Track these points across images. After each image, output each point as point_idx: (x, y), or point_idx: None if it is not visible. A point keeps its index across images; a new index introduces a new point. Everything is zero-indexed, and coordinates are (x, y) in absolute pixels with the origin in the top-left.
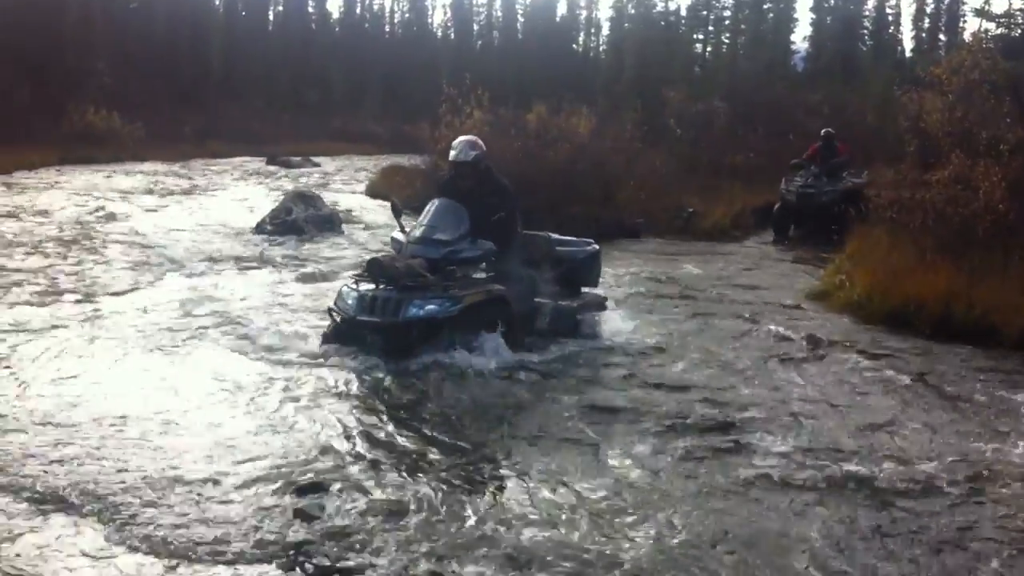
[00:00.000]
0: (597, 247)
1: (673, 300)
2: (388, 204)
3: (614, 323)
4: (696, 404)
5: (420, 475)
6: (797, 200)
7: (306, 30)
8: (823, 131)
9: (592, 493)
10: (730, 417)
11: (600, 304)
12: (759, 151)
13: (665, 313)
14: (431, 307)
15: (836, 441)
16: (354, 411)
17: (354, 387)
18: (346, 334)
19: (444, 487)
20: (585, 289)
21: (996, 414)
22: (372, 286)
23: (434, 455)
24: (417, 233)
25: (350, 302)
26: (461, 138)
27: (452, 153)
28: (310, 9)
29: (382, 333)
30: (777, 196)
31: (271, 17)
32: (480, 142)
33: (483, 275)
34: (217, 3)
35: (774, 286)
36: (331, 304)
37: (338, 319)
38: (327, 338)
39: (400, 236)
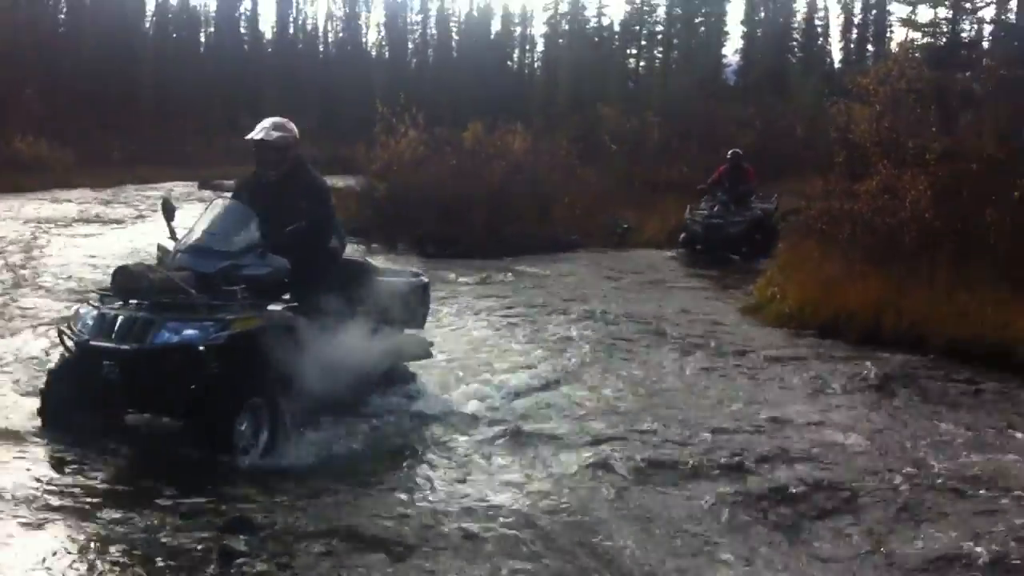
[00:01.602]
0: (426, 280)
1: (598, 319)
2: None
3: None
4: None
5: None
6: (704, 232)
7: (239, 51)
8: (730, 152)
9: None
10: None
11: (425, 351)
12: (693, 165)
13: (583, 335)
14: (190, 332)
15: (771, 458)
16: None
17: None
18: (79, 366)
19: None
20: (409, 331)
21: (920, 417)
22: (120, 303)
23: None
24: (190, 240)
25: (89, 322)
26: (268, 119)
27: (253, 133)
28: (242, 30)
29: (123, 364)
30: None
31: (203, 39)
32: (291, 125)
33: (280, 304)
34: (147, 26)
35: (707, 301)
36: (64, 326)
37: (71, 345)
38: (51, 376)
39: (169, 243)
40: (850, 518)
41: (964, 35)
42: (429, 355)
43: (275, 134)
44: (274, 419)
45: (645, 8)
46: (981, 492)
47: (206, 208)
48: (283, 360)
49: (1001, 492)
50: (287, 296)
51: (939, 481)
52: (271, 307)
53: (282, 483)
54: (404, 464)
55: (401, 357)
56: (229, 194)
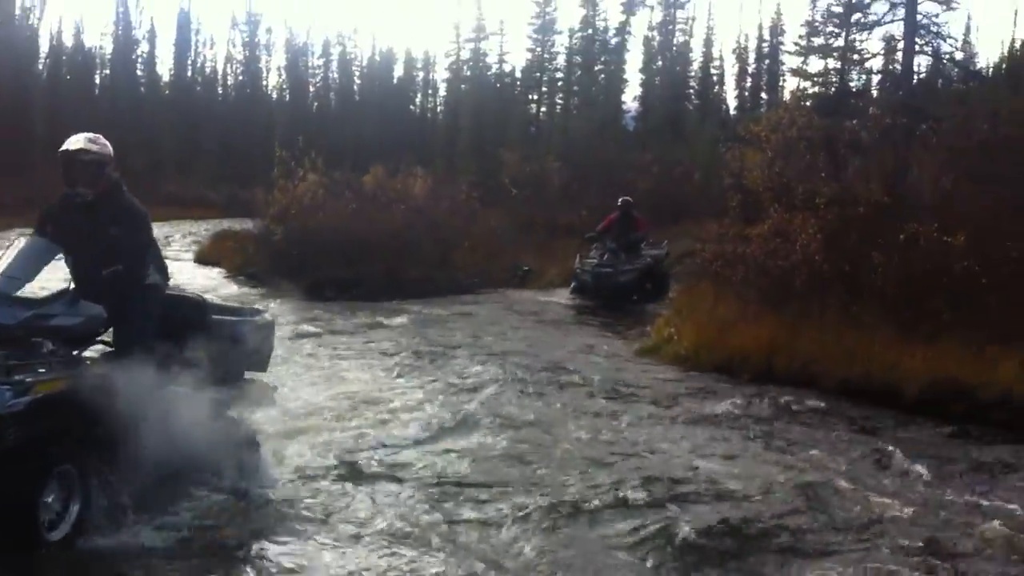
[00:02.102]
0: (269, 318)
1: (496, 362)
2: (218, 270)
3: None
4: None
5: None
6: (594, 281)
7: (135, 93)
8: (621, 200)
9: None
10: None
11: (268, 397)
12: (593, 209)
13: (480, 378)
14: None
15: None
16: None
17: None
18: None
19: None
20: (250, 375)
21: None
22: None
23: None
24: None
25: None
26: (79, 133)
27: (64, 145)
28: (139, 72)
29: None
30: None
31: (97, 81)
32: (106, 141)
33: (97, 353)
34: (40, 67)
35: (605, 341)
36: None
37: None
38: None
39: None
40: (737, 554)
41: (852, 85)
42: (273, 402)
43: (92, 147)
44: (87, 489)
45: (546, 56)
46: (864, 530)
47: (8, 247)
48: (98, 421)
49: (877, 531)
50: (106, 338)
51: (823, 518)
52: (87, 353)
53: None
54: (262, 534)
55: (241, 405)
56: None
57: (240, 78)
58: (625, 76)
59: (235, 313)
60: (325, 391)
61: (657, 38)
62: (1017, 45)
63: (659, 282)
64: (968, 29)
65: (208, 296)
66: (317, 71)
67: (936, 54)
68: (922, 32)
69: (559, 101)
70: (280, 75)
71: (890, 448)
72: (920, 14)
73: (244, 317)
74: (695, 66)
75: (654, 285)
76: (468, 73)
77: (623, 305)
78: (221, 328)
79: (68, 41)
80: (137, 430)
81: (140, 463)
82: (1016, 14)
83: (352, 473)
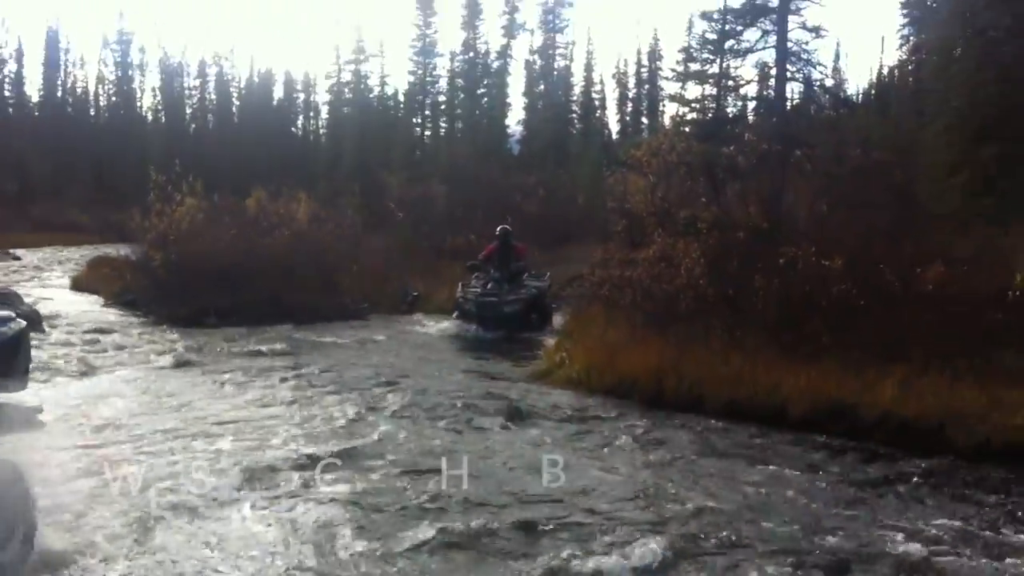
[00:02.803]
0: (20, 324)
1: (381, 386)
2: (96, 298)
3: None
4: None
5: None
6: (478, 311)
7: (2, 115)
8: (499, 228)
9: None
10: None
11: (27, 418)
12: (479, 233)
13: (365, 404)
14: None
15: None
16: None
17: None
18: None
19: None
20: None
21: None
22: None
23: None
24: None
25: None
26: None
27: None
28: (6, 92)
29: None
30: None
31: None
32: None
33: None
34: None
35: (496, 366)
36: None
37: None
38: None
39: None
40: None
41: (729, 111)
42: (36, 424)
43: None
44: None
45: (428, 78)
46: (738, 543)
47: None
48: None
49: (753, 545)
50: None
51: (704, 536)
52: None
53: None
54: None
55: None
56: None
57: (113, 99)
58: (508, 100)
59: None
60: (179, 421)
61: (538, 62)
62: (884, 71)
63: (543, 313)
64: (837, 56)
65: None
66: (194, 92)
67: (807, 81)
68: (793, 59)
69: (443, 124)
70: (155, 95)
71: (769, 467)
72: (791, 41)
73: None
74: (577, 90)
75: (539, 316)
76: (350, 95)
77: (510, 334)
78: None
79: None
80: None
81: None
82: (883, 41)
83: (182, 522)
